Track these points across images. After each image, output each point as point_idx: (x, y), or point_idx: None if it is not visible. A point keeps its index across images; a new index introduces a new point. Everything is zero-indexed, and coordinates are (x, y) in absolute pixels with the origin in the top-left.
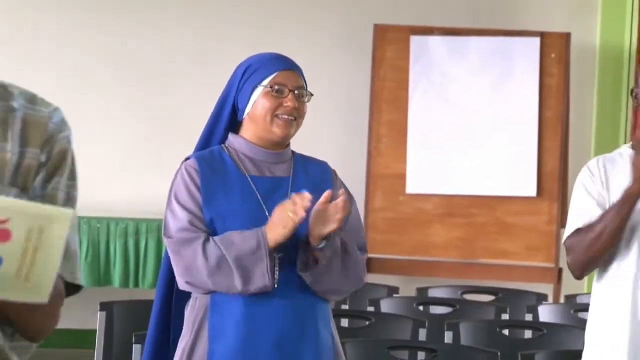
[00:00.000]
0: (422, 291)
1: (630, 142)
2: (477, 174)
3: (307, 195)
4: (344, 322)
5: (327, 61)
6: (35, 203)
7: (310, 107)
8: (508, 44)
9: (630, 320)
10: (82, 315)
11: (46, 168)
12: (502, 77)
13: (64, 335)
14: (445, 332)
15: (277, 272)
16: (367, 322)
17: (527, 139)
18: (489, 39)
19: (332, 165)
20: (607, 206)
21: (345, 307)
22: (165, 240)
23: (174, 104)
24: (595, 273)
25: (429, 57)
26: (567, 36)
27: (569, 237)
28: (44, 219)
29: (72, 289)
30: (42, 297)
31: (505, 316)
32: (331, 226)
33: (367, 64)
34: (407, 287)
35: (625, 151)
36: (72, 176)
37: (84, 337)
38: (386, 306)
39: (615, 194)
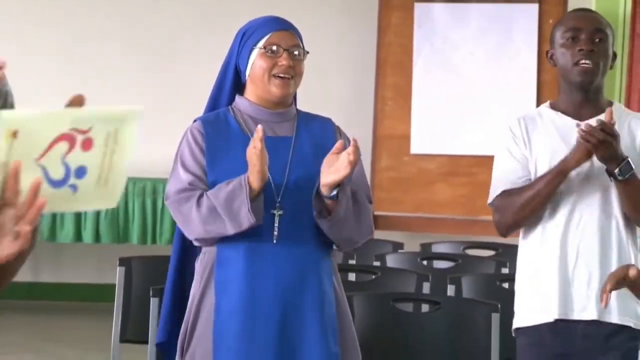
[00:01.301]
0: (425, 247)
1: (549, 102)
2: (479, 134)
3: (259, 127)
4: (352, 277)
5: (334, 27)
6: (108, 106)
7: (318, 70)
8: (507, 11)
9: (558, 274)
10: (102, 270)
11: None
12: (502, 43)
13: (85, 289)
14: (448, 286)
15: (276, 227)
16: (374, 276)
17: (526, 101)
18: (489, 6)
19: (347, 129)
20: (530, 165)
21: (352, 262)
22: (166, 203)
23: (184, 70)
24: (521, 232)
25: (432, 24)
26: (564, 2)
27: (496, 198)
28: (117, 122)
29: None
30: (114, 202)
31: (505, 270)
32: (342, 173)
33: (373, 29)
34: (412, 243)
35: (544, 111)
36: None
37: (104, 291)
38: (391, 261)
39: (536, 152)
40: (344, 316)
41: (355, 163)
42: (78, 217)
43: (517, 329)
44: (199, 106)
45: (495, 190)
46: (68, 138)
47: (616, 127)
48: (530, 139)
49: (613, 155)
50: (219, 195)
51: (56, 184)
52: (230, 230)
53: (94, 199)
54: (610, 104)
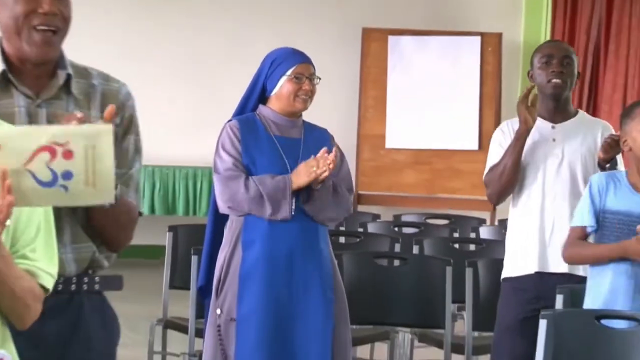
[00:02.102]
0: (397, 217)
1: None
2: (437, 134)
3: (330, 156)
4: (342, 239)
5: (329, 53)
6: (83, 125)
7: (318, 87)
8: (457, 41)
9: (538, 236)
10: (156, 234)
11: (121, 128)
12: (454, 65)
13: (143, 249)
14: (413, 246)
15: (294, 206)
16: (358, 239)
17: (471, 109)
18: (443, 37)
19: (333, 128)
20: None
21: (342, 228)
22: (214, 176)
23: (219, 81)
24: (510, 202)
25: (401, 51)
26: (499, 35)
27: (485, 174)
28: (93, 137)
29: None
30: (109, 198)
31: (456, 234)
32: (325, 173)
33: (358, 55)
34: (386, 214)
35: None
36: (138, 132)
37: (157, 251)
38: (371, 228)
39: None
40: (335, 270)
41: (332, 168)
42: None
43: (505, 278)
44: (226, 113)
45: (486, 170)
46: (49, 149)
47: (581, 128)
48: (513, 133)
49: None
50: (267, 185)
51: (45, 184)
52: (267, 215)
53: (88, 196)
54: (577, 112)
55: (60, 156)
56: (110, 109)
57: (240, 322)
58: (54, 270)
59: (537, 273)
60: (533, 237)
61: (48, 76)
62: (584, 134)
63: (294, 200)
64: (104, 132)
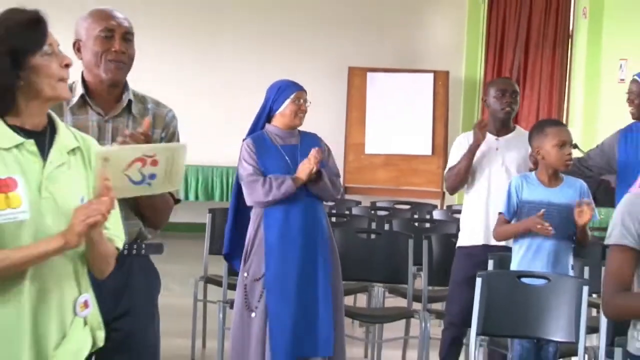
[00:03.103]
0: (373, 203)
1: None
2: (401, 143)
3: (314, 152)
4: (333, 219)
5: (325, 85)
6: (167, 143)
7: (313, 108)
8: (417, 77)
9: (484, 218)
10: (199, 215)
11: (166, 140)
12: (414, 94)
13: (191, 225)
14: (385, 224)
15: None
16: (345, 219)
17: (426, 126)
18: (407, 74)
19: (327, 138)
20: None
21: (334, 211)
22: (242, 182)
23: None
24: (465, 192)
25: (376, 83)
26: (447, 73)
27: (446, 172)
28: (172, 151)
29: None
30: (176, 188)
31: (416, 216)
32: (314, 168)
33: (345, 86)
34: (366, 201)
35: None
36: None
37: (200, 227)
38: (355, 211)
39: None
40: (331, 239)
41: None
42: (186, 187)
43: (459, 247)
44: (245, 125)
45: (447, 168)
46: (141, 160)
47: (517, 140)
48: (469, 143)
49: None
50: (276, 181)
51: (137, 183)
52: (280, 195)
53: (164, 188)
54: (515, 127)
55: (149, 164)
56: (146, 122)
57: (269, 281)
58: (123, 236)
59: (483, 245)
60: (480, 219)
61: (115, 100)
62: (519, 144)
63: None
64: (180, 149)
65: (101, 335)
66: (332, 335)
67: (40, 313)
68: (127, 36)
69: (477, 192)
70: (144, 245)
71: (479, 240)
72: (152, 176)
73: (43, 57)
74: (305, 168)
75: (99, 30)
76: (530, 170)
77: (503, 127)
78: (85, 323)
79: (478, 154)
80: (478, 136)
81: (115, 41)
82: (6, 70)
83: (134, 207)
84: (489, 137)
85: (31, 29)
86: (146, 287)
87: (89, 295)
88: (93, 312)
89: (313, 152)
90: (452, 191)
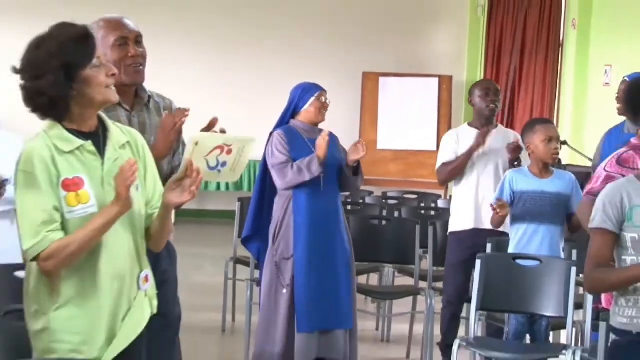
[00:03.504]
0: (384, 193)
1: (466, 123)
2: (410, 140)
3: (324, 133)
4: (349, 207)
5: (342, 89)
6: (242, 135)
7: (332, 111)
8: (423, 81)
9: (474, 205)
10: (229, 203)
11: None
12: (421, 96)
13: (222, 212)
14: (395, 212)
15: (322, 177)
16: (359, 207)
17: (432, 124)
18: (414, 78)
19: (343, 136)
20: (457, 152)
21: (349, 200)
22: (272, 169)
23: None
24: (454, 183)
25: (386, 87)
26: (450, 77)
27: (438, 167)
28: (244, 142)
29: None
30: (236, 179)
31: (422, 205)
32: (361, 155)
33: (359, 91)
34: (378, 192)
35: (464, 127)
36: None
37: (230, 214)
38: (368, 200)
39: (460, 146)
40: (346, 226)
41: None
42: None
43: (451, 232)
44: (267, 123)
45: (439, 163)
46: (220, 148)
47: (500, 135)
48: (458, 140)
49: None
50: (302, 161)
51: (211, 169)
52: (307, 177)
53: (228, 177)
54: (497, 125)
55: (225, 153)
56: (211, 122)
57: (298, 260)
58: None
59: (473, 229)
60: (471, 205)
61: (135, 98)
62: (502, 139)
63: (322, 178)
64: (251, 141)
65: (155, 303)
66: (352, 310)
67: (114, 290)
68: (139, 39)
69: (467, 182)
70: None
71: (469, 225)
72: (224, 164)
73: (92, 69)
74: (322, 145)
75: (114, 40)
76: (510, 160)
77: (487, 124)
78: (146, 295)
79: (466, 148)
80: (480, 141)
81: (130, 47)
82: (60, 83)
83: None
84: (474, 132)
85: (82, 44)
86: (170, 262)
87: (149, 271)
88: (151, 285)
89: (323, 133)
90: (444, 183)
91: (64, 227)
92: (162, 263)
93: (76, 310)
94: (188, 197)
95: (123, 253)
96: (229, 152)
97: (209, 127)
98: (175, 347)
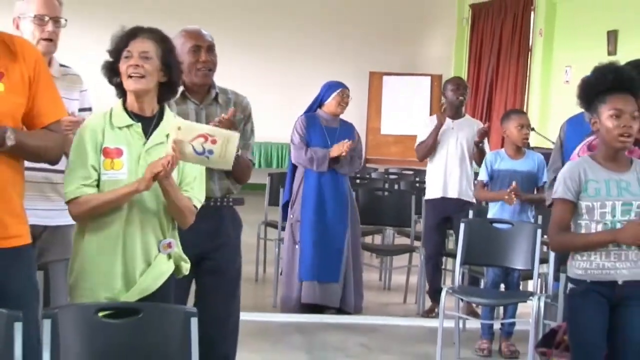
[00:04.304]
0: (386, 170)
1: (436, 114)
2: (406, 127)
3: (347, 142)
4: (358, 181)
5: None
6: (225, 130)
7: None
8: (418, 79)
9: (443, 178)
10: (262, 177)
11: (244, 120)
12: (416, 93)
13: (256, 185)
14: (395, 185)
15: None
16: (366, 181)
17: (425, 115)
18: (411, 77)
19: (355, 123)
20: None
21: (358, 175)
22: (291, 146)
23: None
24: (429, 160)
25: (388, 84)
26: (440, 76)
27: (416, 146)
28: (228, 137)
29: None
30: (229, 166)
31: (417, 179)
32: (344, 153)
33: (366, 87)
34: (381, 168)
35: (437, 115)
36: (252, 123)
37: (262, 186)
38: (374, 175)
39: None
40: (351, 197)
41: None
42: None
43: (426, 200)
44: (295, 111)
45: (417, 142)
46: (204, 137)
47: (467, 123)
48: (433, 124)
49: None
50: (317, 152)
51: (198, 153)
52: (315, 168)
53: (218, 164)
54: (465, 114)
55: (209, 142)
56: (231, 111)
57: (303, 223)
58: (202, 198)
59: (441, 197)
60: (440, 178)
61: (205, 93)
62: (469, 126)
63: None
64: (234, 136)
65: (186, 266)
66: (342, 269)
67: (128, 249)
68: (210, 48)
69: (438, 159)
70: (231, 199)
71: (439, 194)
72: (211, 152)
73: (122, 60)
74: (337, 150)
75: (189, 47)
76: (475, 142)
77: (457, 113)
78: (170, 257)
79: (441, 132)
80: (440, 119)
81: (202, 54)
82: (107, 70)
83: (223, 173)
84: (447, 120)
85: (119, 39)
86: (233, 229)
87: (173, 240)
88: (177, 251)
89: (348, 143)
90: (422, 159)
91: (99, 184)
92: (222, 231)
93: (94, 264)
94: (158, 167)
95: (146, 224)
96: (214, 142)
97: (228, 119)
98: (235, 298)
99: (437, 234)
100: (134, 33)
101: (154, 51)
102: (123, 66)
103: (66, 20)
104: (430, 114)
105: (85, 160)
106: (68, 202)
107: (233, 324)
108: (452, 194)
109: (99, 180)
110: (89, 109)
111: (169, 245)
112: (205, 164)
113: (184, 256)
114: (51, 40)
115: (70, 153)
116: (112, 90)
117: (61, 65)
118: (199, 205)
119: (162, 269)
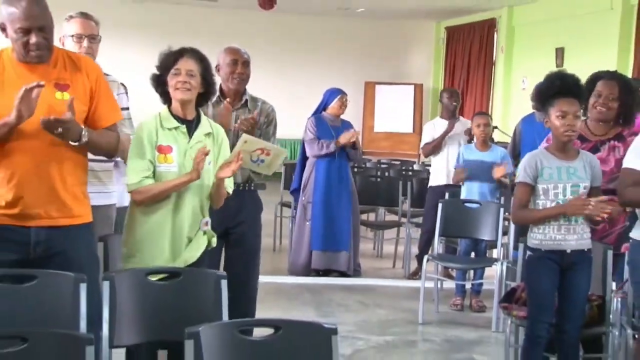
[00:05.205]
0: (379, 160)
1: (439, 116)
2: (395, 125)
3: (353, 132)
4: (356, 169)
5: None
6: (279, 147)
7: (348, 106)
8: (404, 88)
9: (446, 170)
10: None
11: (268, 121)
12: (402, 100)
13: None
14: (385, 172)
15: (336, 153)
16: (362, 169)
17: (409, 116)
18: (398, 86)
19: (353, 123)
20: (434, 136)
21: (356, 165)
22: (304, 141)
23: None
24: (432, 156)
25: (380, 91)
26: (422, 86)
27: (422, 146)
28: (279, 152)
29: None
30: (269, 173)
31: (403, 168)
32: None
33: (362, 93)
34: (375, 159)
35: (437, 119)
36: (275, 124)
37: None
38: (368, 165)
39: (437, 131)
40: (352, 184)
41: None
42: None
43: (430, 187)
44: (302, 113)
45: (422, 143)
46: (262, 150)
47: (460, 124)
48: (435, 127)
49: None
50: (326, 142)
51: (253, 161)
52: (325, 151)
53: (264, 170)
54: (459, 118)
55: (264, 154)
56: (255, 113)
57: (314, 204)
58: (232, 186)
59: (445, 184)
60: (443, 170)
61: (238, 99)
62: (462, 126)
63: (337, 153)
64: (283, 153)
65: (214, 240)
66: (349, 239)
67: (177, 227)
68: (245, 63)
69: (442, 155)
70: (252, 184)
71: (443, 182)
72: (262, 161)
73: (171, 75)
74: (346, 137)
75: (229, 60)
76: (467, 140)
77: (452, 116)
78: (205, 233)
79: (440, 132)
80: (449, 128)
81: (238, 67)
82: (155, 81)
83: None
84: (444, 122)
85: (167, 58)
86: (253, 209)
87: (208, 219)
88: (210, 229)
89: (353, 131)
90: (427, 156)
91: (155, 176)
92: (243, 210)
93: (148, 239)
94: (229, 173)
95: (189, 206)
96: (267, 154)
97: (252, 118)
98: (255, 266)
99: (436, 214)
100: (181, 53)
101: (197, 69)
102: (172, 80)
103: (100, 36)
104: (414, 117)
105: (144, 155)
106: (131, 191)
107: (252, 287)
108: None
109: (153, 171)
110: (127, 108)
111: (206, 224)
112: (254, 169)
113: (213, 232)
114: (88, 54)
115: (130, 149)
116: (145, 94)
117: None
118: (231, 191)
119: (200, 243)
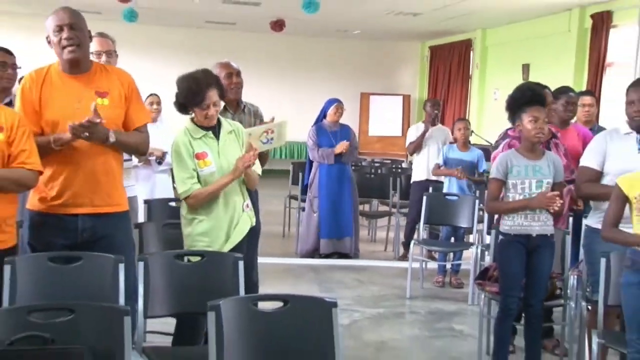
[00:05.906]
0: (373, 159)
1: (421, 121)
2: (387, 130)
3: (346, 143)
4: (353, 168)
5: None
6: (279, 121)
7: (345, 115)
8: (393, 99)
9: (426, 165)
10: (285, 165)
11: (259, 121)
12: (393, 107)
13: (282, 171)
14: (379, 170)
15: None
16: (359, 167)
17: (398, 122)
18: (388, 96)
19: (352, 127)
20: (416, 136)
21: (353, 165)
22: (308, 148)
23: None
24: (415, 154)
25: (375, 101)
26: (409, 96)
27: (407, 145)
28: (279, 124)
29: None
30: (282, 144)
31: (393, 166)
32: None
33: (358, 103)
34: (369, 159)
35: (419, 124)
36: (262, 118)
37: (287, 172)
38: (364, 163)
39: (419, 133)
40: (353, 181)
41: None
42: (280, 151)
43: (413, 182)
44: (307, 118)
45: (407, 142)
46: (266, 132)
47: (439, 130)
48: (418, 130)
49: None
50: (326, 151)
51: (265, 143)
52: (325, 162)
53: (278, 144)
54: (438, 125)
55: (269, 133)
56: (271, 119)
57: (320, 198)
58: (260, 170)
59: (425, 179)
60: (424, 166)
61: (237, 106)
62: (442, 131)
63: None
64: (284, 122)
65: (254, 219)
66: (352, 226)
67: (228, 212)
68: (238, 74)
69: (423, 154)
70: None
71: (423, 177)
72: (272, 139)
73: (198, 107)
74: (339, 148)
75: (225, 74)
76: (450, 143)
77: (434, 123)
78: (247, 215)
79: (425, 137)
80: (427, 128)
81: (233, 78)
82: (179, 105)
83: None
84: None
85: (195, 95)
86: (255, 198)
87: (249, 201)
88: (250, 209)
89: (346, 143)
90: (411, 154)
91: (199, 180)
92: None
93: (207, 224)
94: (248, 163)
95: (234, 193)
96: (272, 132)
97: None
98: (257, 247)
99: (419, 205)
100: (209, 84)
101: (218, 96)
102: (202, 112)
103: (117, 52)
104: (402, 122)
105: (187, 166)
106: (184, 198)
107: (256, 272)
108: (432, 177)
109: (198, 177)
110: None
111: (247, 206)
112: (271, 147)
113: (253, 212)
114: None
115: (173, 165)
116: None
117: None
118: (260, 173)
119: (244, 224)
